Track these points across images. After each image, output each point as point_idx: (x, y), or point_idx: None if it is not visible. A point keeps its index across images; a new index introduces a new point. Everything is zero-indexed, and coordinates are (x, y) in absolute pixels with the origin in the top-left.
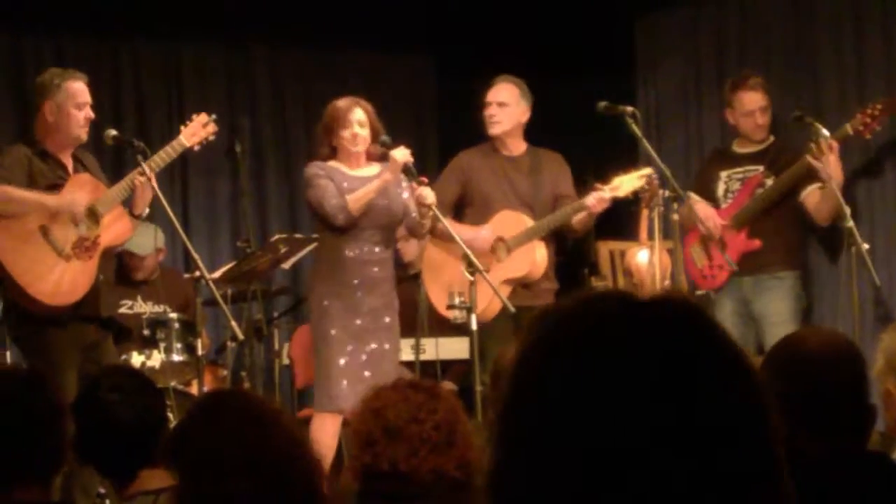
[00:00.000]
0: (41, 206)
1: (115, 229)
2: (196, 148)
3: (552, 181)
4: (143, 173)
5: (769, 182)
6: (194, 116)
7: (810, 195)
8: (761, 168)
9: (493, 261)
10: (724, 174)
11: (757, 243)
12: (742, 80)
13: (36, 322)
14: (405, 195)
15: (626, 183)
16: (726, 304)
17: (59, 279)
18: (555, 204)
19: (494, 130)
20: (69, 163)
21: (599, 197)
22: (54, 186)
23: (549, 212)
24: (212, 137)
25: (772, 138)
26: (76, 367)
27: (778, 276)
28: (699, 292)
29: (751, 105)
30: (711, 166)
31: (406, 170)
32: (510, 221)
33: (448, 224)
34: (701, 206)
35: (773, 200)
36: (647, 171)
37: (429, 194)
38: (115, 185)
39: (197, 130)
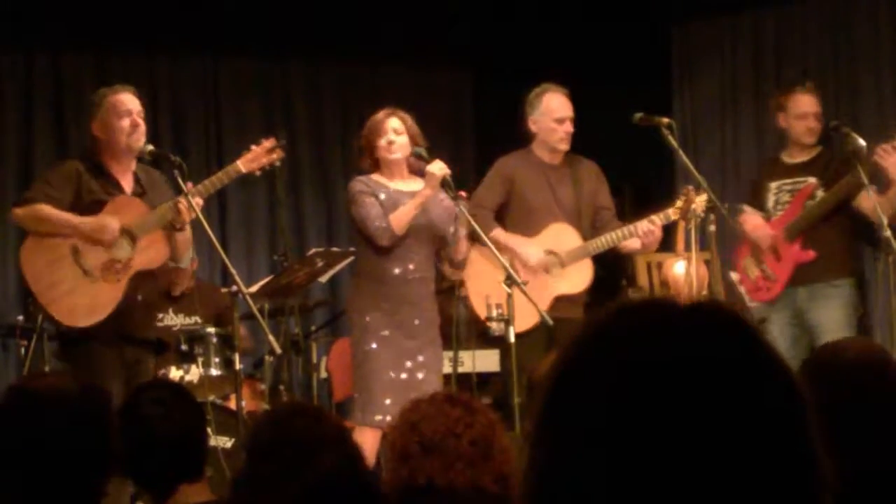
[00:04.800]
0: (73, 228)
1: (149, 252)
2: (258, 173)
3: (592, 192)
4: (186, 198)
5: (820, 193)
6: (263, 142)
7: (864, 200)
8: (811, 179)
9: (540, 273)
10: (773, 185)
11: (811, 254)
12: (797, 84)
13: (80, 339)
14: (446, 208)
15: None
16: (781, 315)
17: (78, 300)
18: (594, 215)
19: (567, 146)
20: (126, 179)
21: (649, 229)
22: (97, 203)
23: (589, 222)
24: (277, 163)
25: (820, 148)
26: (122, 381)
27: (834, 284)
28: (753, 304)
29: (806, 107)
30: (761, 177)
31: (444, 183)
32: (563, 235)
33: (498, 233)
34: (748, 218)
35: (826, 211)
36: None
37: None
38: (159, 207)
39: (258, 156)
